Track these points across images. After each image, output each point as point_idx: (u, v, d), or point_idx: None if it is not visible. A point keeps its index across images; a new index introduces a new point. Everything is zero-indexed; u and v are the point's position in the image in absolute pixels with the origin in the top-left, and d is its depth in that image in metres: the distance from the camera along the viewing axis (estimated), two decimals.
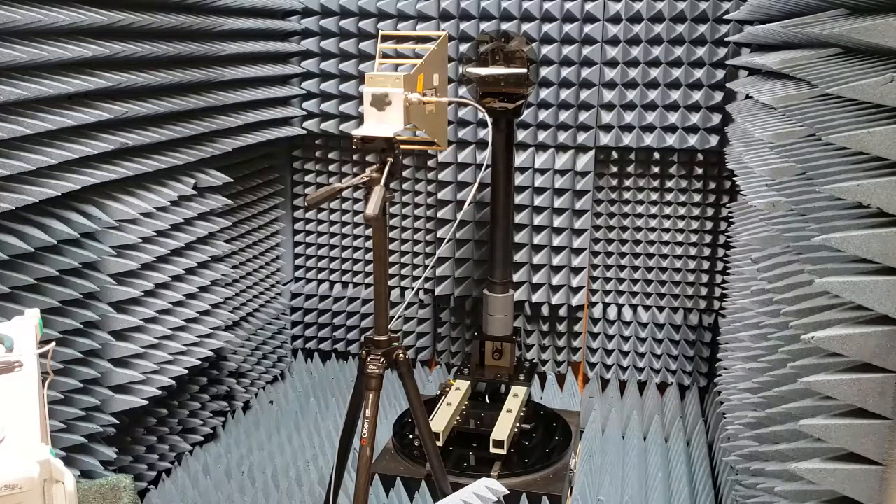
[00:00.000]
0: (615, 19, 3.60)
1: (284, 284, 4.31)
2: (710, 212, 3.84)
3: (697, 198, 3.83)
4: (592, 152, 3.76)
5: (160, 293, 2.94)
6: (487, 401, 3.43)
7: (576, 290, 3.91)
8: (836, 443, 1.55)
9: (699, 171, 3.80)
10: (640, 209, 3.91)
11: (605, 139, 3.74)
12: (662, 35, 3.56)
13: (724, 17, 3.49)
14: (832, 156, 1.72)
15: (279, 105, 3.86)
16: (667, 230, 3.91)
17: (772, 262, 2.21)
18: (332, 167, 4.20)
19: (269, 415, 3.81)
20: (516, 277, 3.92)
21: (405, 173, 4.09)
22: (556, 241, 3.86)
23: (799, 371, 1.77)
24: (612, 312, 4.04)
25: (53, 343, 1.63)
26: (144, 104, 2.77)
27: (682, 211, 3.86)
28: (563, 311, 4.02)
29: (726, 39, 3.51)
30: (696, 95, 3.62)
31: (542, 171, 3.77)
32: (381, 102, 2.33)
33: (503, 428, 3.07)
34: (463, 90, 3.72)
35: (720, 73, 3.57)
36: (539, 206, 3.81)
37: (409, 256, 4.21)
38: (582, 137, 3.72)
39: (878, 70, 1.59)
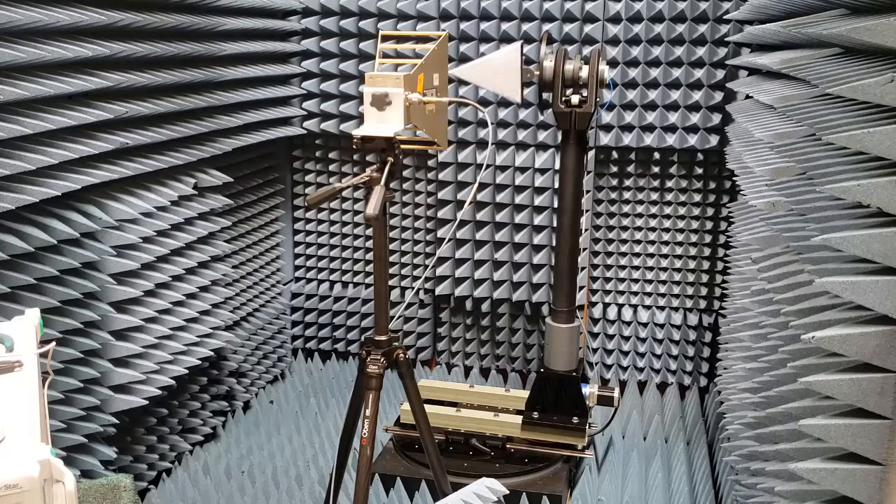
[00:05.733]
0: (615, 19, 3.60)
1: (284, 284, 4.31)
2: (710, 212, 3.84)
3: (697, 198, 3.83)
4: (592, 152, 3.76)
5: (160, 293, 2.94)
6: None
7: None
8: (836, 443, 1.55)
9: (699, 171, 3.80)
10: (640, 209, 3.91)
11: (605, 139, 3.74)
12: (662, 35, 3.56)
13: (724, 17, 3.49)
14: (832, 156, 1.72)
15: (279, 105, 3.86)
16: (667, 230, 3.91)
17: (772, 262, 2.21)
18: (332, 167, 4.20)
19: (269, 415, 3.81)
20: (516, 278, 3.92)
21: (405, 173, 4.09)
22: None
23: (799, 371, 1.77)
24: (612, 312, 4.04)
25: (53, 343, 1.63)
26: (144, 104, 2.77)
27: (682, 211, 3.86)
28: None
29: (726, 39, 3.51)
30: (696, 95, 3.62)
31: (542, 171, 3.76)
32: (381, 102, 2.33)
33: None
34: (463, 90, 3.73)
35: (720, 73, 3.57)
36: (539, 206, 3.81)
37: (409, 256, 4.21)
38: None
39: (878, 70, 1.59)
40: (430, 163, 4.04)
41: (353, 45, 3.88)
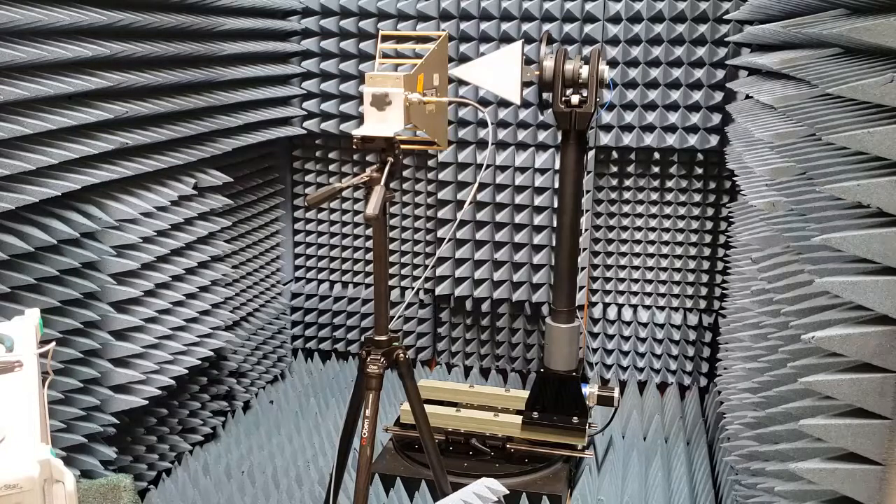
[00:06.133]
0: (615, 19, 3.60)
1: (284, 284, 4.31)
2: (710, 212, 3.84)
3: (697, 198, 3.83)
4: (592, 152, 3.76)
5: (160, 293, 2.94)
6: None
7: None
8: (836, 443, 1.55)
9: (699, 171, 3.80)
10: (640, 209, 3.91)
11: (605, 139, 3.74)
12: (662, 35, 3.56)
13: (724, 17, 3.49)
14: (832, 156, 1.72)
15: (279, 105, 3.86)
16: (667, 230, 3.91)
17: (772, 262, 2.21)
18: (332, 167, 4.20)
19: (269, 415, 3.81)
20: (516, 278, 3.92)
21: (405, 173, 4.09)
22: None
23: (799, 371, 1.77)
24: (612, 312, 4.04)
25: (53, 343, 1.63)
26: (144, 104, 2.77)
27: (682, 211, 3.86)
28: None
29: (726, 39, 3.51)
30: (696, 95, 3.62)
31: (543, 171, 3.77)
32: (381, 102, 2.33)
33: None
34: (463, 90, 3.73)
35: (720, 73, 3.57)
36: (539, 206, 3.81)
37: (409, 256, 4.21)
38: None
39: (878, 70, 1.59)
40: (430, 163, 4.04)
41: (353, 45, 3.88)
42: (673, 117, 3.66)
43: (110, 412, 2.72)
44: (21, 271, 2.31)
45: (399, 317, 4.21)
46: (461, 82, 3.63)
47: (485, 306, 4.09)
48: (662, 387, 4.07)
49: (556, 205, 3.79)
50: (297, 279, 4.39)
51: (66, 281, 2.47)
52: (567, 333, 3.21)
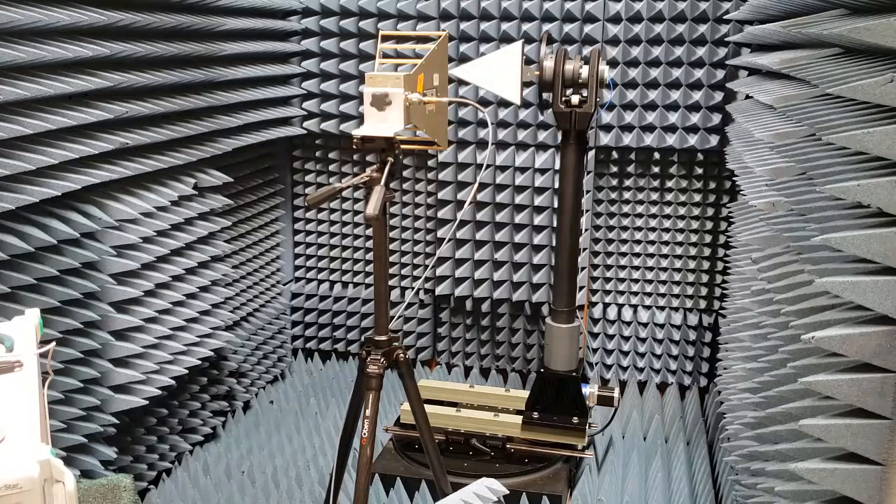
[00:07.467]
0: (615, 19, 3.60)
1: (284, 284, 4.31)
2: (710, 212, 3.84)
3: (697, 198, 3.83)
4: (592, 152, 3.76)
5: (160, 293, 2.94)
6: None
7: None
8: (836, 443, 1.55)
9: (699, 171, 3.80)
10: (640, 209, 3.91)
11: (605, 139, 3.74)
12: (662, 35, 3.56)
13: (724, 17, 3.49)
14: (832, 156, 1.72)
15: (279, 105, 3.86)
16: (667, 230, 3.91)
17: (772, 262, 2.21)
18: (332, 167, 4.20)
19: (269, 415, 3.81)
20: (516, 278, 3.92)
21: (405, 173, 4.09)
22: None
23: (799, 371, 1.77)
24: (612, 312, 4.04)
25: (53, 343, 1.63)
26: (144, 104, 2.77)
27: (682, 211, 3.86)
28: None
29: (726, 39, 3.51)
30: (696, 95, 3.62)
31: (543, 171, 3.77)
32: (381, 102, 2.33)
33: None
34: (463, 90, 3.73)
35: (720, 73, 3.57)
36: (539, 206, 3.81)
37: (409, 256, 4.21)
38: None
39: (878, 70, 1.59)
40: (430, 163, 4.04)
41: (353, 45, 3.88)
42: (673, 117, 3.66)
43: (110, 412, 2.72)
44: (21, 271, 2.31)
45: (399, 317, 4.21)
46: (461, 82, 3.63)
47: (485, 306, 4.09)
48: (662, 387, 4.07)
49: (556, 205, 3.80)
50: (297, 279, 4.39)
51: (66, 281, 2.47)
52: (567, 333, 3.21)
